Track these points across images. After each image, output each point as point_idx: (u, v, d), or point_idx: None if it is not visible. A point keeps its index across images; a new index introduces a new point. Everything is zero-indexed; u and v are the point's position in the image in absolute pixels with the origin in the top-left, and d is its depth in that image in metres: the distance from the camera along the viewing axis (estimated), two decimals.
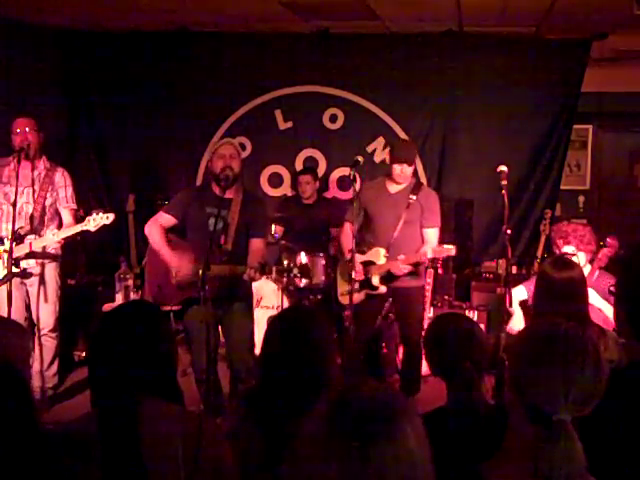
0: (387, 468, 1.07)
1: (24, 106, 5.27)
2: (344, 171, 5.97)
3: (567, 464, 1.38)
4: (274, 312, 5.06)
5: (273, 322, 2.17)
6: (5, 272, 4.05)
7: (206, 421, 1.78)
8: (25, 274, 4.28)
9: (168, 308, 4.19)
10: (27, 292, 4.39)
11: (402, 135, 6.04)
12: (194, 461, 1.67)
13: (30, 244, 4.20)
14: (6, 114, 4.86)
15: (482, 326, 4.17)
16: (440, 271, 5.53)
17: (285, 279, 4.41)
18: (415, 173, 4.71)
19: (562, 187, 6.11)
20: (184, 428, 1.71)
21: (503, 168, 3.90)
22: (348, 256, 4.22)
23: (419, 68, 5.98)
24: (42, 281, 4.37)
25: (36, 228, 4.30)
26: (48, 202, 4.38)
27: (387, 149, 5.97)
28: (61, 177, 4.44)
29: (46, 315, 4.43)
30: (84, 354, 5.24)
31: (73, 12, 5.59)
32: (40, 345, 4.46)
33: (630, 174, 6.84)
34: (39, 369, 4.46)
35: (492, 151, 5.80)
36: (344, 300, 4.45)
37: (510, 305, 3.68)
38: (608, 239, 4.11)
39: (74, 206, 4.49)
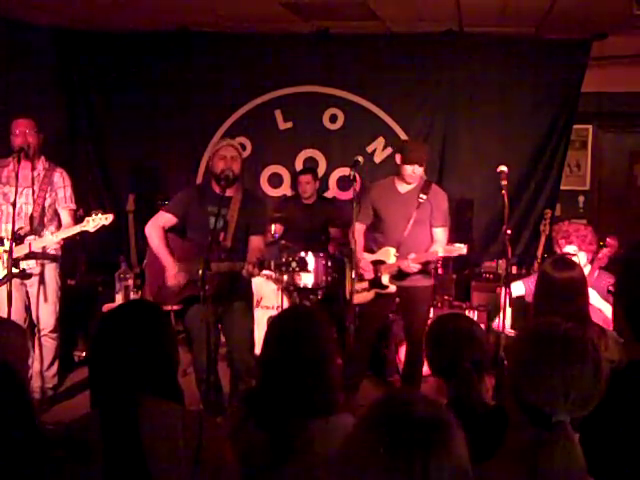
0: (444, 474, 1.16)
1: (24, 106, 5.26)
2: (344, 171, 5.98)
3: (567, 465, 1.38)
4: (274, 312, 5.06)
5: (273, 322, 2.17)
6: (5, 273, 4.06)
7: (207, 420, 1.78)
8: (25, 275, 4.28)
9: (169, 308, 4.19)
10: (27, 293, 4.39)
11: (402, 135, 6.05)
12: (195, 461, 1.67)
13: (30, 245, 4.20)
14: (6, 114, 4.86)
15: (482, 326, 4.16)
16: (440, 271, 5.53)
17: (285, 276, 4.40)
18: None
19: (562, 187, 6.11)
20: (185, 428, 1.71)
21: (503, 168, 3.90)
22: (362, 256, 4.26)
23: (419, 68, 5.98)
24: (42, 281, 4.37)
25: (36, 229, 4.30)
26: (47, 203, 4.38)
27: (388, 149, 6.04)
28: (60, 177, 4.44)
29: (46, 315, 4.43)
30: (84, 354, 5.24)
31: (73, 12, 5.60)
32: (40, 345, 4.45)
33: (630, 174, 6.82)
34: (39, 369, 4.46)
35: (492, 151, 5.80)
36: (357, 299, 4.45)
37: (510, 305, 3.68)
38: (608, 239, 4.12)
39: (73, 206, 4.49)
